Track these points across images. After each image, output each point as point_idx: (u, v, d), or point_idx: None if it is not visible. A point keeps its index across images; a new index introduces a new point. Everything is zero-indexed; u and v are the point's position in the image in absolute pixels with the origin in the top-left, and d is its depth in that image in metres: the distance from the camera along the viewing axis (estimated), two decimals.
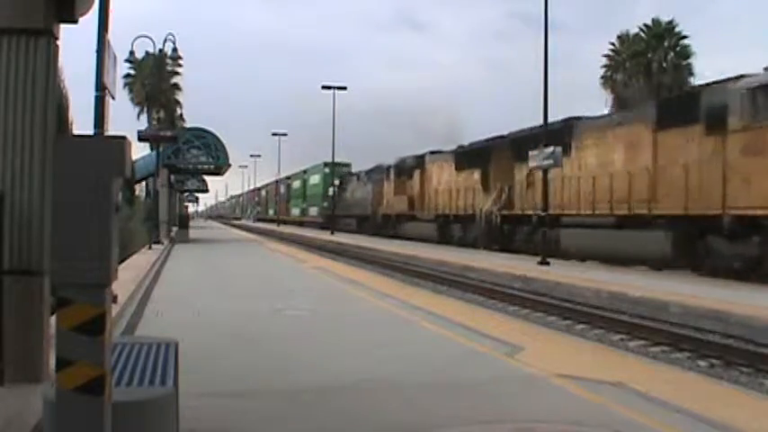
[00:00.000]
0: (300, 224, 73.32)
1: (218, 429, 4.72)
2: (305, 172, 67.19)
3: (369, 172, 49.09)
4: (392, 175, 42.49)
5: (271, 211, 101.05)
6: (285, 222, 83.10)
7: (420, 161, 38.59)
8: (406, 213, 39.51)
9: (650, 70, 47.20)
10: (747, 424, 4.91)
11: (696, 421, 4.90)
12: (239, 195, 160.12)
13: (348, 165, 62.97)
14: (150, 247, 25.09)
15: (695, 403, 5.34)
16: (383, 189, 44.21)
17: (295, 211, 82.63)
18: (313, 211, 70.40)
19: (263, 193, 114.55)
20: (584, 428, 4.81)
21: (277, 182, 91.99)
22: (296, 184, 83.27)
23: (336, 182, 57.01)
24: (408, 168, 39.91)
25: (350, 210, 53.43)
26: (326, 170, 61.56)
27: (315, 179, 70.56)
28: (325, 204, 61.15)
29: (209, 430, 4.63)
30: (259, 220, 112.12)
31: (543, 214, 22.15)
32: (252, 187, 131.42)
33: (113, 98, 10.14)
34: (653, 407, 5.26)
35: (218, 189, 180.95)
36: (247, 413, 5.12)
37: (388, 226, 42.75)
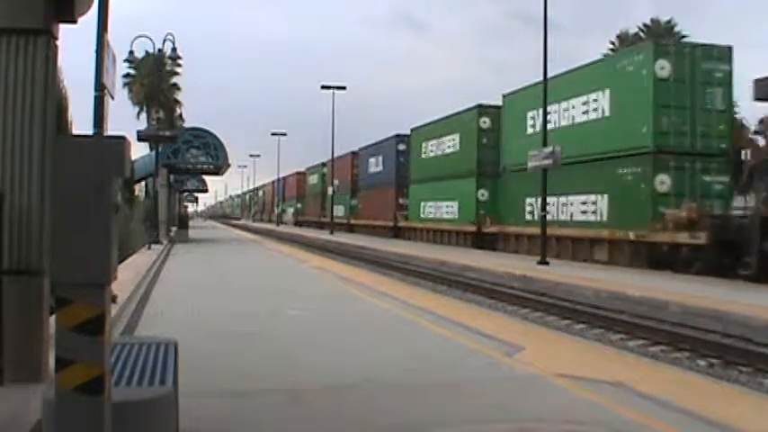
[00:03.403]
0: (476, 237, 31.81)
1: (218, 429, 4.72)
2: (481, 108, 32.39)
3: None
4: None
5: (339, 209, 56.45)
6: (411, 231, 40.72)
7: None
8: None
9: None
10: (747, 423, 4.91)
11: (696, 421, 4.90)
12: (255, 189, 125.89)
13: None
14: (149, 247, 25.08)
15: (695, 403, 5.34)
16: None
17: (448, 208, 35.50)
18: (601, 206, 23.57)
19: (313, 179, 70.74)
20: (583, 428, 4.80)
21: (354, 153, 54.32)
22: (432, 146, 37.98)
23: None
24: None
25: None
26: (661, 63, 21.20)
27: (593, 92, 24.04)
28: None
29: (209, 430, 4.63)
30: (300, 223, 74.57)
31: (543, 213, 22.17)
32: (280, 174, 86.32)
33: (113, 98, 10.13)
34: (653, 407, 5.25)
35: (218, 189, 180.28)
36: (247, 413, 5.11)
37: None
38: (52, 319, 3.92)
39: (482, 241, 30.74)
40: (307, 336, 8.49)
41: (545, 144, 22.16)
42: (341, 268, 20.26)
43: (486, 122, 31.94)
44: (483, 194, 32.01)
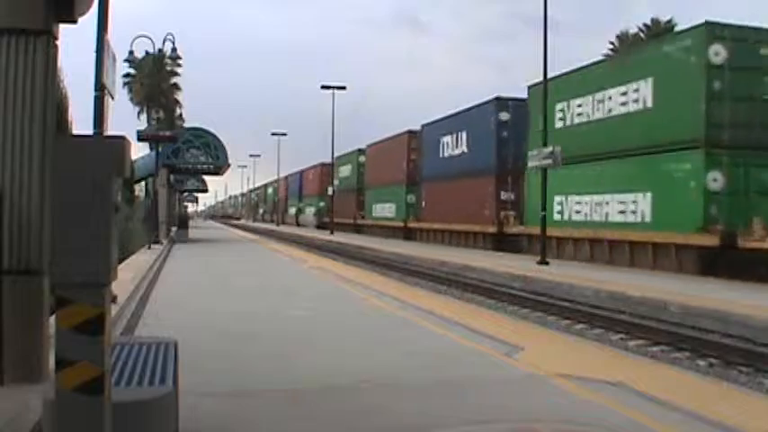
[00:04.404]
0: (714, 255, 17.57)
1: (218, 429, 4.72)
2: (712, 28, 18.55)
3: None
4: None
5: (388, 208, 44.10)
6: (527, 240, 26.87)
7: None
8: None
9: None
10: (747, 424, 4.91)
11: (696, 421, 4.90)
12: (265, 186, 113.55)
13: None
14: (149, 247, 25.09)
15: (694, 403, 5.34)
16: None
17: (621, 205, 21.17)
18: None
19: (345, 171, 53.96)
20: (583, 428, 4.81)
21: (411, 133, 40.27)
22: (581, 107, 23.51)
23: None
24: None
25: None
26: None
27: None
28: None
29: (209, 430, 4.63)
30: (325, 225, 54.80)
31: (543, 213, 22.15)
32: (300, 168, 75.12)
33: (113, 98, 10.13)
34: (653, 407, 5.25)
35: (218, 189, 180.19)
36: (247, 413, 5.11)
37: None
38: (52, 319, 3.92)
39: (727, 263, 17.34)
40: (306, 336, 8.48)
41: (545, 144, 22.10)
42: (339, 267, 20.14)
43: (719, 54, 18.30)
44: (716, 180, 18.35)
